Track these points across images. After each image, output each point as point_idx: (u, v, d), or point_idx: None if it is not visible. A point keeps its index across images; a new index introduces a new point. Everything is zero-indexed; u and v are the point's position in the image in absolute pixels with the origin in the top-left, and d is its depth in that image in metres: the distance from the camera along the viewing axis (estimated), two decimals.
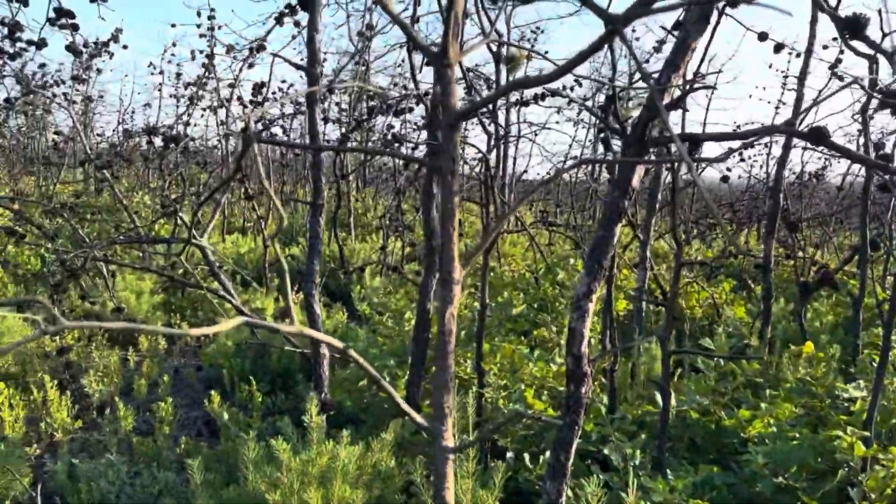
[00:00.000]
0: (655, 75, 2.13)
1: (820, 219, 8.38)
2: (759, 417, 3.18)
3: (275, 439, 2.48)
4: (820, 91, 5.96)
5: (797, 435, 3.05)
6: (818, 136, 1.89)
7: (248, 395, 4.05)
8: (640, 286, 4.42)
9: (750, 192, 9.90)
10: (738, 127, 9.22)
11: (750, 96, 14.40)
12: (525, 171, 13.67)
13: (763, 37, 4.15)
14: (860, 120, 3.42)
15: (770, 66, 7.54)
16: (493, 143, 3.40)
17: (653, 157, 2.74)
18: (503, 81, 5.25)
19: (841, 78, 5.71)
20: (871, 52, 2.67)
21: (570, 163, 11.49)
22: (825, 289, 4.38)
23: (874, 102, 3.45)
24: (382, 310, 5.67)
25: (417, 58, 4.16)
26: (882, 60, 3.14)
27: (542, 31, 10.17)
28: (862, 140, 3.74)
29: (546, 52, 9.86)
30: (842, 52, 5.61)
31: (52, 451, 3.77)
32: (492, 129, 3.58)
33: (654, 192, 4.28)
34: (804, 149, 7.05)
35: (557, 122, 21.17)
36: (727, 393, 3.40)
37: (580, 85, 7.23)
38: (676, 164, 3.21)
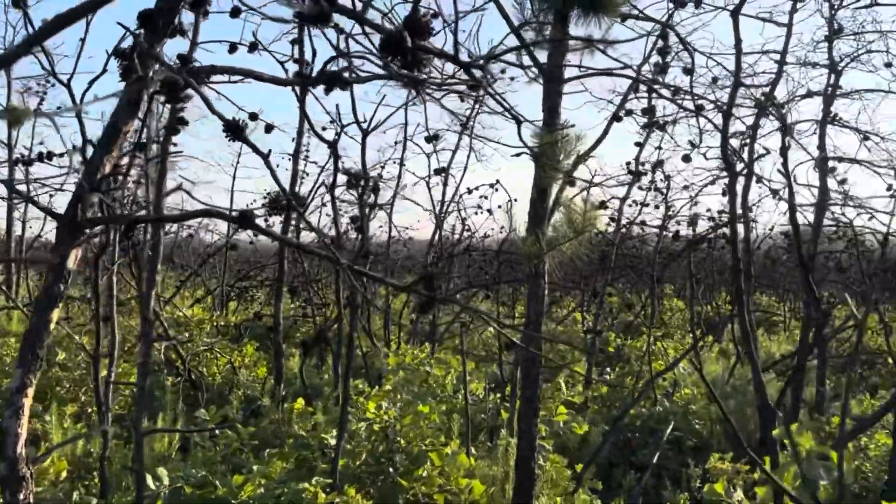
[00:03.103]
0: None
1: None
2: (250, 480, 3.29)
3: None
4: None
5: (285, 490, 3.25)
6: (244, 220, 2.07)
7: None
8: (143, 360, 4.21)
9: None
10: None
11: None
12: None
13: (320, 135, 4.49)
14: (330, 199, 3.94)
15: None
16: None
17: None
18: None
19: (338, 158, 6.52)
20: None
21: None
22: (322, 345, 4.87)
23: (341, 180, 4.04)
24: None
25: None
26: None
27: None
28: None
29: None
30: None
31: None
32: None
33: (155, 262, 4.16)
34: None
35: None
36: (222, 461, 3.45)
37: None
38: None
